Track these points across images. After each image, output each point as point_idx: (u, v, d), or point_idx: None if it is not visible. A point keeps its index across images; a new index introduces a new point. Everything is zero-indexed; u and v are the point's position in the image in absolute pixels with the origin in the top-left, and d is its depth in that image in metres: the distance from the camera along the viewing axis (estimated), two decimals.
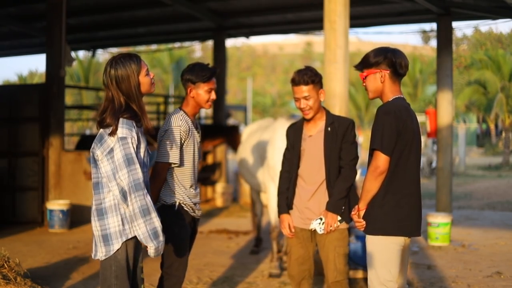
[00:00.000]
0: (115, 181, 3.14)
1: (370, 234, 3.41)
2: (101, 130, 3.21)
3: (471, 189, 15.87)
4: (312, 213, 4.09)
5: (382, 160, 3.32)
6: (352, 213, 3.55)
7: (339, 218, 4.02)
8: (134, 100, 3.24)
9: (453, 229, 8.41)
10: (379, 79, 3.45)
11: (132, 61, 3.26)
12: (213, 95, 3.93)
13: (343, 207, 4.03)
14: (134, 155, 3.13)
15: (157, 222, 3.15)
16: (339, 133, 4.06)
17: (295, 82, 4.08)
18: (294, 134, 4.23)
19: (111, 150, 3.15)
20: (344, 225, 4.07)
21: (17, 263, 5.19)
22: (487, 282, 5.98)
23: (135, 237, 3.26)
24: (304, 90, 4.04)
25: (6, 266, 5.01)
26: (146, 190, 3.15)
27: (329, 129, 4.08)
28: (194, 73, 3.89)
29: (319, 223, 4.01)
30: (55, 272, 6.34)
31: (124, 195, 3.10)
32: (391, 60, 3.42)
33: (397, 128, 3.32)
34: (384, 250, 3.37)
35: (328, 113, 4.18)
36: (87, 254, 7.01)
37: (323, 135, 4.09)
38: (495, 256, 7.29)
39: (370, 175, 3.36)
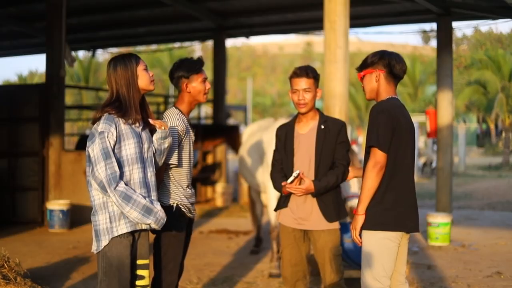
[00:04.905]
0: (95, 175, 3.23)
1: (369, 229, 3.40)
2: (92, 128, 3.30)
3: (471, 189, 15.85)
4: (303, 211, 4.09)
5: (380, 156, 3.34)
6: (352, 222, 3.50)
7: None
8: (126, 95, 3.33)
9: (453, 229, 8.41)
10: (374, 79, 3.50)
11: (131, 57, 3.41)
12: (207, 85, 3.92)
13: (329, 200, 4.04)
14: (110, 149, 3.22)
15: (142, 200, 3.24)
16: (332, 132, 4.09)
17: (297, 74, 4.12)
18: (286, 134, 4.22)
19: None
20: (336, 225, 4.10)
21: (17, 263, 5.18)
22: (487, 282, 5.98)
23: (131, 235, 3.30)
24: (306, 82, 4.09)
25: (6, 266, 5.01)
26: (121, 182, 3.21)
27: (322, 126, 4.11)
28: (184, 67, 3.86)
29: (294, 176, 3.93)
30: (55, 272, 6.34)
31: (103, 188, 3.20)
32: (386, 60, 3.48)
33: (391, 126, 3.35)
34: (379, 245, 3.39)
35: (321, 113, 4.23)
36: (87, 254, 7.01)
37: (315, 132, 4.12)
38: (495, 256, 7.29)
39: (371, 172, 3.35)
